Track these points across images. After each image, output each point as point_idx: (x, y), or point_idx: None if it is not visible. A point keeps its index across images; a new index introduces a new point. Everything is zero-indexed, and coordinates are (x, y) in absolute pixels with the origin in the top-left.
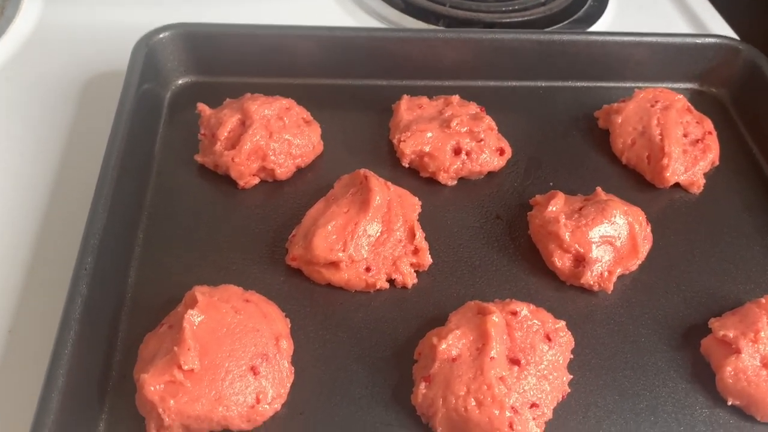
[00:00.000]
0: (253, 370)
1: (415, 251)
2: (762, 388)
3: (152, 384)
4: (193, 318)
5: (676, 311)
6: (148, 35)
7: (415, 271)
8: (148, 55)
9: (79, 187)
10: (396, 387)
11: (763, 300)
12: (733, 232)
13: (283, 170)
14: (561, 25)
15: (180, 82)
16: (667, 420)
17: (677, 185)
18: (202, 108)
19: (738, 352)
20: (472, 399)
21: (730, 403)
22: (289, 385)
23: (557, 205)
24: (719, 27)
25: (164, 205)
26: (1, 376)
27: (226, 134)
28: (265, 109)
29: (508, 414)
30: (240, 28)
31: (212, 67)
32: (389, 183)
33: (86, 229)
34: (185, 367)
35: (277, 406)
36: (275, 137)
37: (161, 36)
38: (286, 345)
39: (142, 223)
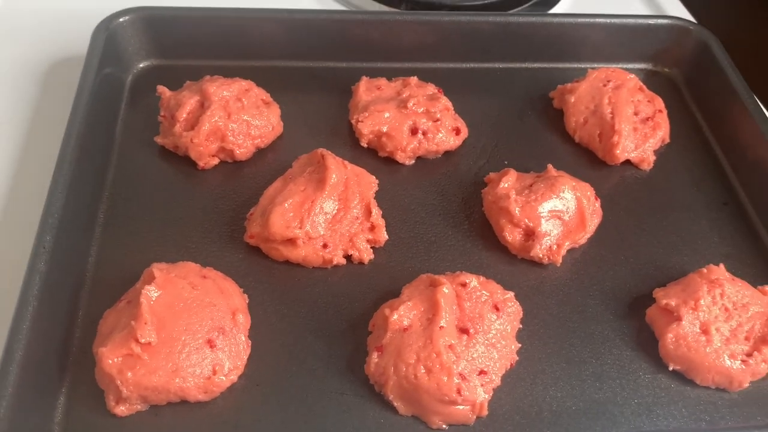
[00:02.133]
0: (210, 343)
1: (372, 228)
2: (701, 353)
3: (110, 357)
4: (150, 293)
5: (624, 283)
6: (107, 19)
7: (371, 247)
8: (109, 39)
9: (41, 170)
10: (350, 358)
11: (704, 270)
12: (682, 207)
13: (243, 151)
14: (522, 8)
15: (141, 65)
16: (611, 385)
17: (628, 162)
18: (162, 90)
19: (679, 319)
20: (422, 366)
21: (671, 368)
22: (245, 357)
23: (509, 181)
24: (676, 9)
25: (125, 186)
26: None
27: (185, 115)
28: (223, 90)
29: (456, 380)
30: (200, 11)
31: (173, 50)
32: (346, 162)
33: (45, 208)
34: (142, 341)
35: (234, 377)
36: (234, 118)
37: (121, 20)
38: (243, 319)
39: (103, 204)
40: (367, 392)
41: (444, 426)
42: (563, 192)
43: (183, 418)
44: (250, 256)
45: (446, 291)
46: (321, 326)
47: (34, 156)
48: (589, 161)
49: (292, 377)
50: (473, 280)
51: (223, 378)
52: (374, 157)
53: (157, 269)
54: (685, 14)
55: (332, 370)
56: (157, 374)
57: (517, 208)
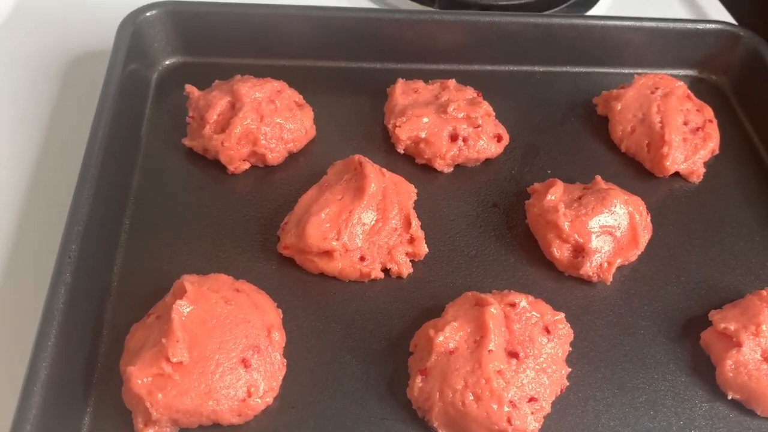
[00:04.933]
0: (244, 363)
1: (411, 240)
2: (763, 382)
3: (139, 377)
4: (182, 308)
5: (676, 303)
6: (134, 13)
7: (410, 260)
8: (135, 33)
9: (63, 171)
10: (391, 380)
11: (764, 292)
12: (733, 223)
13: (275, 155)
14: (558, 8)
15: (167, 62)
16: (666, 414)
17: (677, 174)
18: (191, 90)
19: (739, 345)
20: (470, 393)
21: (730, 397)
22: (281, 377)
23: (556, 193)
24: (717, 13)
25: (151, 191)
26: None
27: (215, 117)
28: (256, 91)
29: (506, 408)
30: (230, 6)
31: (201, 47)
32: (384, 170)
33: (70, 215)
34: (174, 360)
35: (269, 399)
36: (266, 121)
37: (148, 14)
38: (278, 336)
39: (128, 209)
40: (409, 417)
41: None
42: (615, 206)
43: None
44: (282, 268)
45: (494, 312)
46: (358, 344)
47: (56, 153)
48: (635, 172)
49: (329, 400)
50: (522, 300)
51: (259, 401)
52: (411, 164)
53: (188, 282)
54: (727, 17)
55: (371, 393)
56: (189, 396)
57: (566, 223)
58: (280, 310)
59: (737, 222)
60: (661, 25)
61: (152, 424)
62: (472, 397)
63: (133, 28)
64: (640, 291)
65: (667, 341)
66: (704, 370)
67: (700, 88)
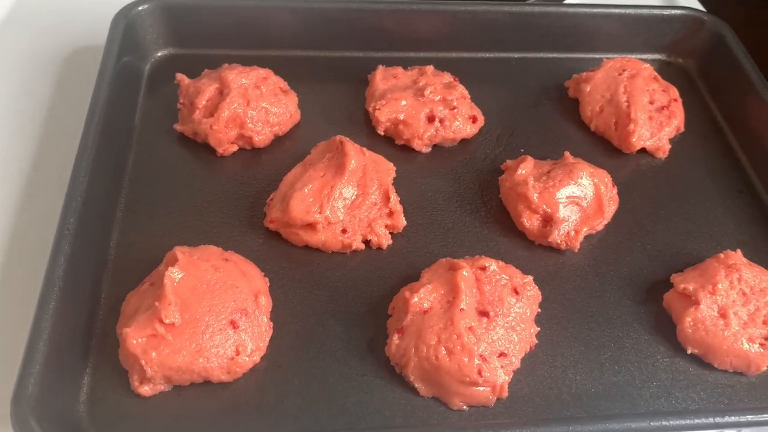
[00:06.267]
0: (233, 324)
1: (390, 213)
2: (719, 336)
3: (135, 337)
4: (174, 275)
5: (641, 269)
6: (127, 7)
7: (389, 232)
8: (127, 27)
9: (61, 156)
10: (371, 340)
11: (721, 255)
12: (697, 195)
13: (261, 138)
14: None
15: (159, 54)
16: (630, 369)
17: (644, 150)
18: (181, 78)
19: (697, 303)
20: (443, 348)
21: (689, 351)
22: (267, 339)
23: (526, 168)
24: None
25: (145, 172)
26: None
27: (204, 102)
28: (242, 78)
29: (477, 362)
30: (218, 0)
31: (191, 39)
32: (364, 149)
33: (68, 192)
34: (166, 321)
35: (256, 358)
36: (252, 105)
37: (140, 8)
38: (265, 301)
39: (123, 189)
40: (388, 374)
41: (464, 407)
42: (581, 178)
43: (206, 399)
44: (269, 241)
45: (466, 274)
46: (341, 309)
47: (54, 141)
48: (604, 149)
49: (313, 359)
50: (492, 264)
51: (246, 359)
52: (391, 145)
53: (180, 252)
54: (696, 4)
55: (353, 352)
56: (181, 354)
57: (535, 194)
58: (267, 279)
59: (700, 194)
60: (630, 11)
61: (147, 382)
62: (444, 352)
63: (125, 22)
64: (606, 258)
65: (632, 303)
66: (666, 329)
67: (668, 70)
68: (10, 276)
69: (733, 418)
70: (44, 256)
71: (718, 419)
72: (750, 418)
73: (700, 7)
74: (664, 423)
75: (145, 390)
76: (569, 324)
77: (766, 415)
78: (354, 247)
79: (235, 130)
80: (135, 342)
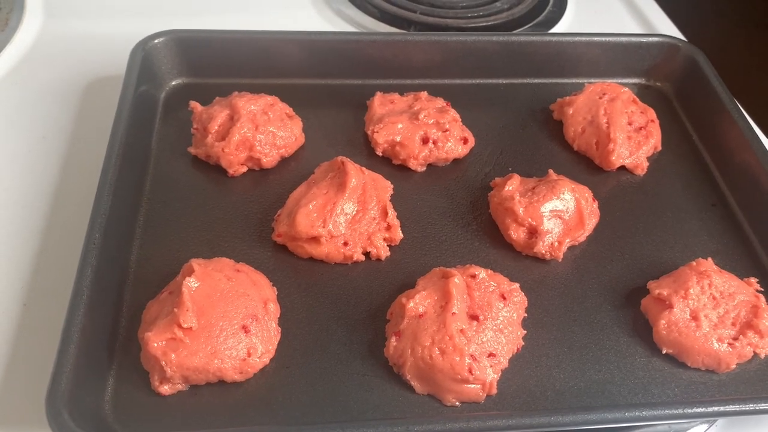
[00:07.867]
0: (244, 329)
1: (388, 227)
2: (691, 337)
3: (155, 341)
4: (191, 283)
5: (620, 277)
6: (144, 41)
7: (387, 245)
8: (145, 58)
9: (85, 178)
10: (371, 343)
11: (693, 263)
12: (673, 209)
13: (269, 159)
14: (524, 28)
15: (173, 83)
16: (610, 368)
17: (623, 168)
18: (194, 105)
19: (671, 307)
20: (436, 348)
21: (664, 351)
22: (276, 342)
23: (513, 185)
24: (666, 27)
25: (162, 192)
26: (19, 343)
27: (216, 128)
28: (251, 104)
29: (467, 361)
30: (228, 33)
31: (203, 69)
32: (364, 168)
33: (93, 210)
34: (184, 326)
35: (266, 360)
36: (261, 129)
37: (156, 41)
38: (274, 308)
39: (142, 208)
40: (386, 373)
41: (457, 403)
42: (563, 193)
43: (220, 397)
44: (277, 254)
45: (457, 281)
46: (343, 316)
47: (78, 164)
48: (587, 167)
49: (317, 360)
50: (482, 272)
51: (257, 360)
52: (388, 165)
53: (196, 263)
54: (675, 32)
55: (354, 354)
56: (197, 356)
57: (521, 209)
58: (275, 288)
59: (677, 208)
60: (610, 39)
61: (166, 381)
62: (438, 352)
63: (143, 54)
64: (588, 267)
65: (611, 308)
66: (643, 332)
67: (647, 93)
68: (42, 287)
69: (700, 409)
70: (72, 269)
71: (687, 410)
72: (716, 409)
73: (677, 33)
74: (637, 413)
75: (165, 389)
76: (553, 327)
77: (730, 407)
78: (355, 259)
79: (244, 152)
80: (156, 345)
